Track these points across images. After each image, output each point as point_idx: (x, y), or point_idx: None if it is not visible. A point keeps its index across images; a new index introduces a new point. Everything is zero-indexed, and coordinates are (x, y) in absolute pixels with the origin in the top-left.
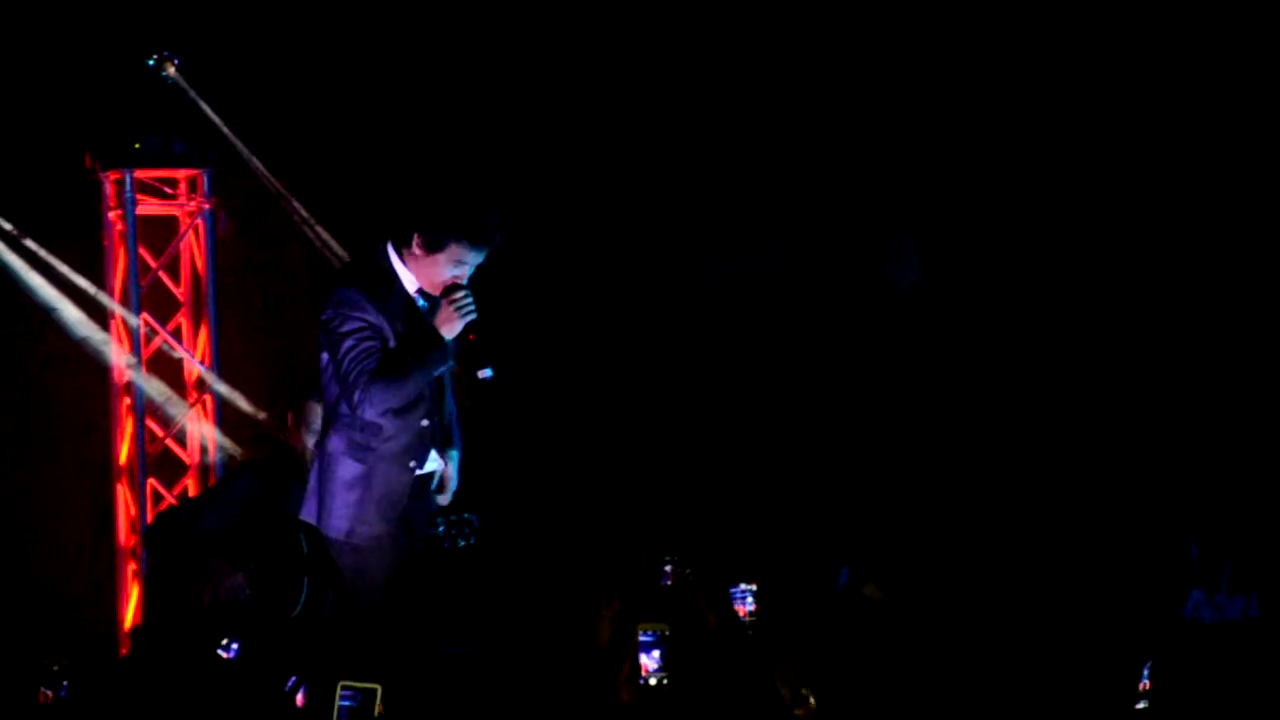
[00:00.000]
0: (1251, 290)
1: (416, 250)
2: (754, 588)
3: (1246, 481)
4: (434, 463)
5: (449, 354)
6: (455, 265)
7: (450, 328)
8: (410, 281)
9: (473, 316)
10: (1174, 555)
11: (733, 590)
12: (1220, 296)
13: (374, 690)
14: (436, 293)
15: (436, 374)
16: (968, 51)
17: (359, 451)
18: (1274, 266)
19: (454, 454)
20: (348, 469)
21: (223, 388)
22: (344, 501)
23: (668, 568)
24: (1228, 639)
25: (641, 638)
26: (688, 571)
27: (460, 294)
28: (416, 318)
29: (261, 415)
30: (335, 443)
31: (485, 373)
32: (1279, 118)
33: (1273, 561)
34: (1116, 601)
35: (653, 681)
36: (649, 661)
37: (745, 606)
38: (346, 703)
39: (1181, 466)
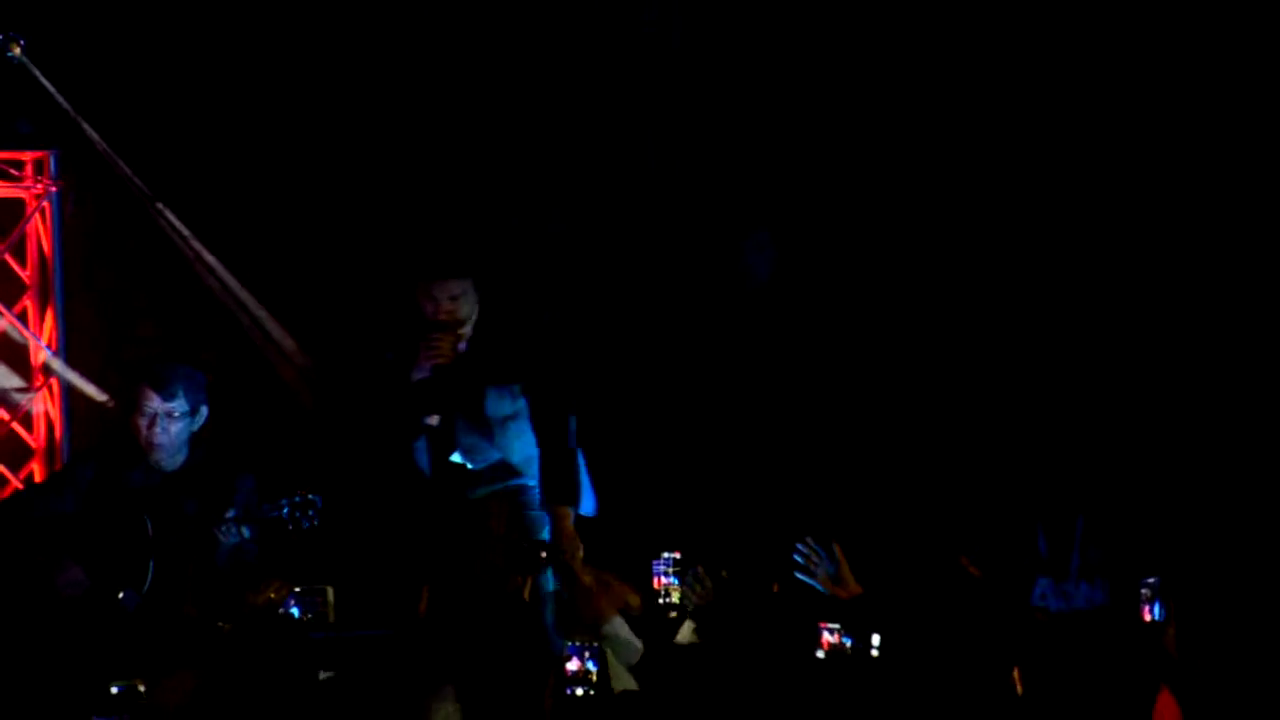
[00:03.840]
0: (1098, 279)
1: None
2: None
3: (1093, 468)
4: None
5: None
6: None
7: None
8: None
9: None
10: (1020, 543)
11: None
12: (1064, 285)
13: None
14: None
15: None
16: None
17: None
18: (1119, 247)
19: None
20: None
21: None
22: None
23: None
24: (1075, 627)
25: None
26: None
27: None
28: None
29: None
30: None
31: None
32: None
33: (1120, 548)
34: (963, 591)
35: (579, 691)
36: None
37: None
38: None
39: (1027, 454)
